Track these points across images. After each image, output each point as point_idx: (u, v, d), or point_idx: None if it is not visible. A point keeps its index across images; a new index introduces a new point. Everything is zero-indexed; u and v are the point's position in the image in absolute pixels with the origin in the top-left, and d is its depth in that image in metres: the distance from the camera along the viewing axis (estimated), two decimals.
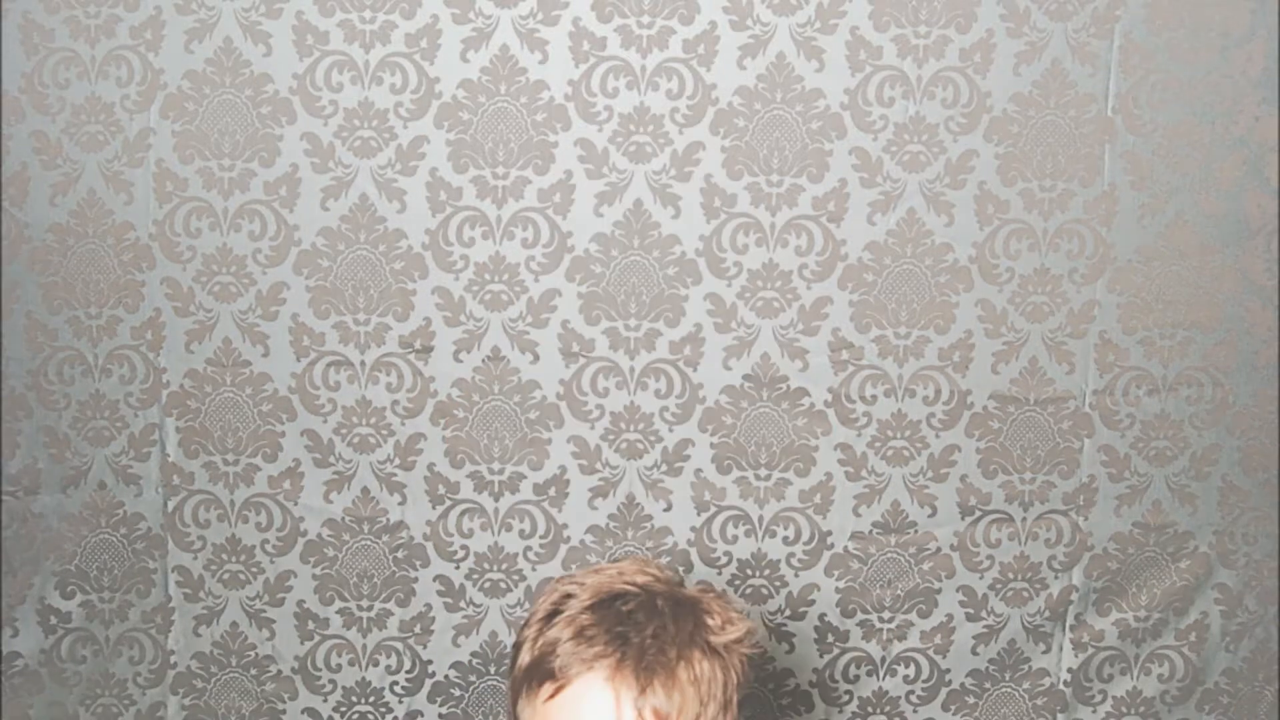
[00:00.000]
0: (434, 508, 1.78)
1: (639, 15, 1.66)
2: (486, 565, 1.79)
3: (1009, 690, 1.86)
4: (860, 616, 1.82)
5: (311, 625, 1.82)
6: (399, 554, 1.79)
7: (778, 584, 1.81)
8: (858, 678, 1.84)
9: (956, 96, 1.69)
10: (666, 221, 1.71)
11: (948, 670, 1.84)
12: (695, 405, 1.76)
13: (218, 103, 1.68)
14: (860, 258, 1.73)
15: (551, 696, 1.04)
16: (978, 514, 1.80)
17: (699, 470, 1.77)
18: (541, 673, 1.06)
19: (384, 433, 1.76)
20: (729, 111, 1.69)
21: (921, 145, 1.70)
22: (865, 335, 1.74)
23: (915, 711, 1.85)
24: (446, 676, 1.83)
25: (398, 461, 1.77)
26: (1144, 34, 1.69)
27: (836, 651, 1.83)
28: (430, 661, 1.82)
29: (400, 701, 1.84)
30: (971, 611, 1.82)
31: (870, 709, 1.85)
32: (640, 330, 1.74)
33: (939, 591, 1.82)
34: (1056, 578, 1.82)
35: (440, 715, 1.84)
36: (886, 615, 1.82)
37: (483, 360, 1.74)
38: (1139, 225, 1.73)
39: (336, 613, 1.81)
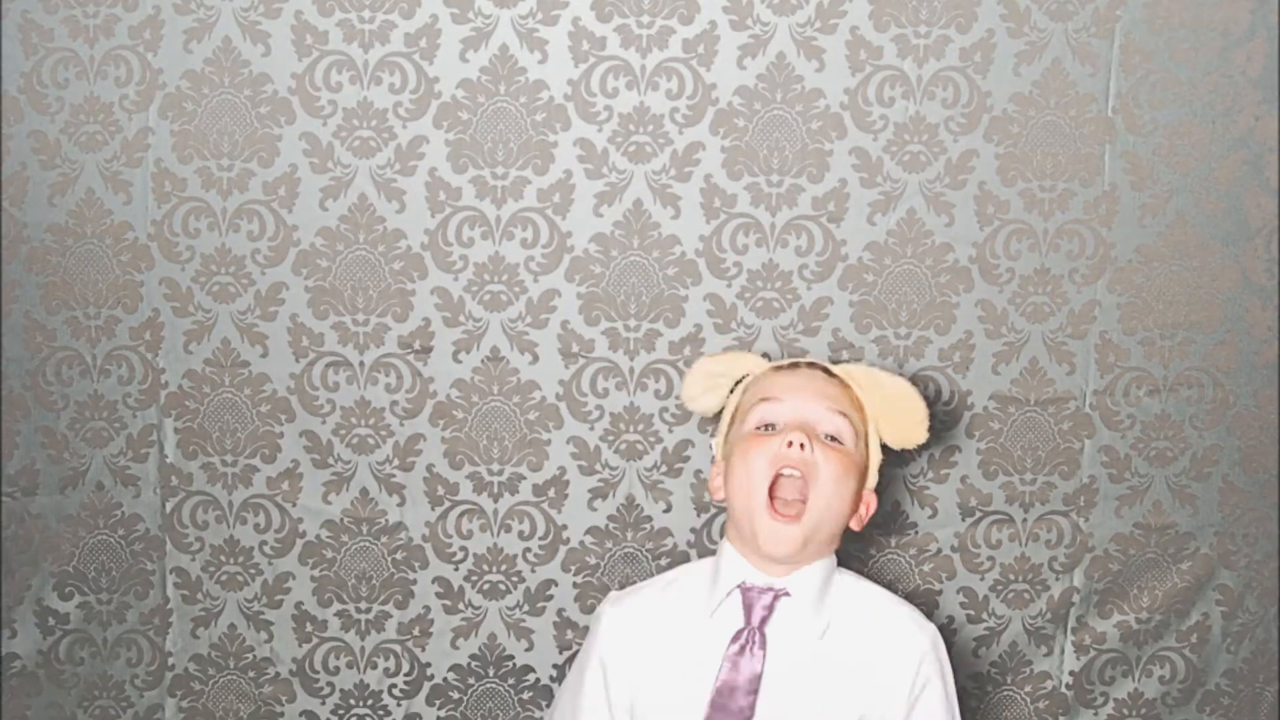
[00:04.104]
0: (433, 509, 1.77)
1: (639, 15, 1.66)
2: (485, 567, 1.79)
3: (1010, 693, 1.85)
4: None
5: (310, 627, 1.81)
6: (398, 555, 1.79)
7: None
8: None
9: (956, 96, 1.69)
10: (666, 222, 1.71)
11: None
12: None
13: (216, 103, 1.68)
14: (860, 258, 1.73)
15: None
16: (978, 515, 1.80)
17: (699, 471, 1.77)
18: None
19: (383, 433, 1.76)
20: (729, 111, 1.69)
21: (921, 145, 1.70)
22: (865, 335, 1.74)
23: None
24: (445, 679, 1.82)
25: (397, 462, 1.76)
26: (1144, 34, 1.69)
27: None
28: (429, 664, 1.82)
29: (399, 704, 1.83)
30: (972, 613, 1.82)
31: None
32: (640, 331, 1.73)
33: (939, 593, 1.81)
34: (1057, 579, 1.82)
35: (439, 718, 1.83)
36: None
37: (482, 361, 1.74)
38: (1139, 225, 1.73)
39: (335, 615, 1.81)
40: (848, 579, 1.46)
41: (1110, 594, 1.83)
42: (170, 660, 1.82)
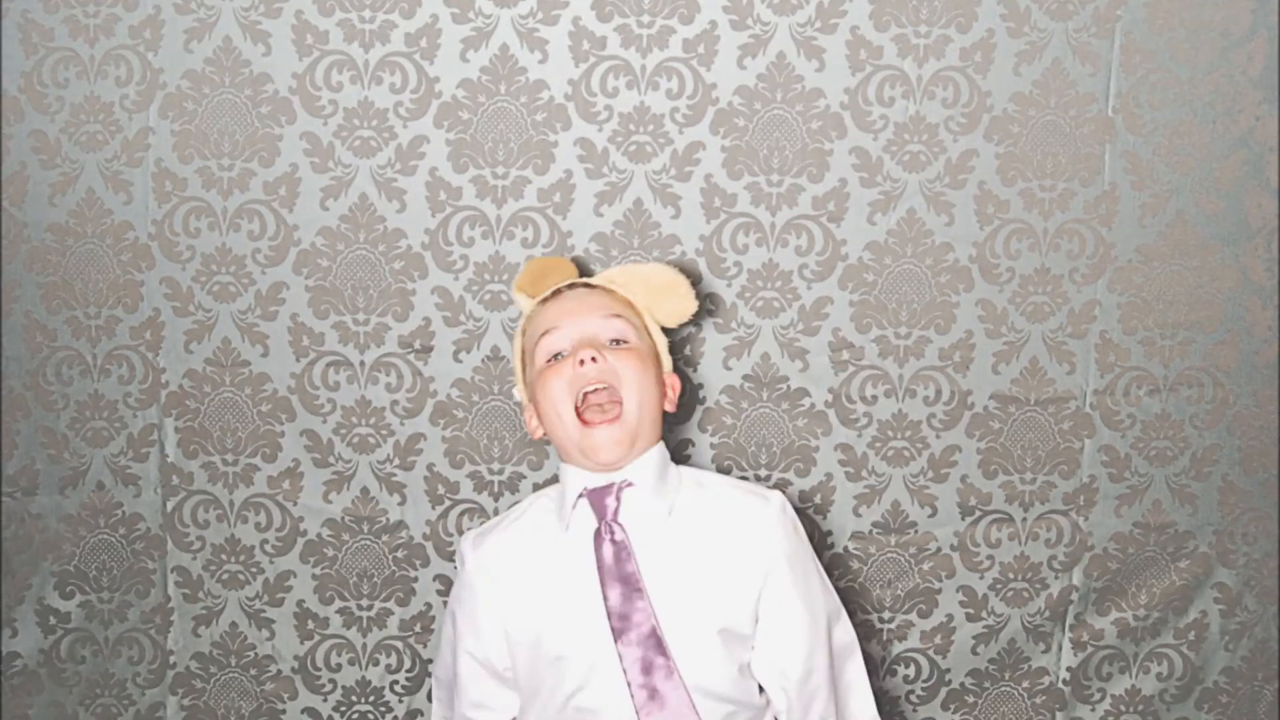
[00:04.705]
0: (434, 507, 1.78)
1: (639, 15, 1.66)
2: None
3: (1008, 689, 1.86)
4: (861, 617, 1.82)
5: (311, 625, 1.82)
6: (399, 554, 1.79)
7: None
8: None
9: (957, 96, 1.69)
10: (666, 221, 1.71)
11: (948, 670, 1.84)
12: (695, 405, 1.76)
13: (217, 102, 1.68)
14: (860, 258, 1.73)
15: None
16: (978, 514, 1.80)
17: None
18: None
19: (383, 433, 1.76)
20: (729, 111, 1.69)
21: (922, 145, 1.70)
22: (865, 335, 1.74)
23: (915, 711, 1.86)
24: None
25: (397, 461, 1.77)
26: (1144, 34, 1.69)
27: None
28: (430, 660, 1.82)
29: (400, 700, 1.84)
30: (971, 611, 1.82)
31: None
32: None
33: (939, 591, 1.82)
34: (1056, 578, 1.82)
35: None
36: (887, 615, 1.82)
37: (482, 360, 1.74)
38: (1139, 225, 1.74)
39: (336, 612, 1.81)
40: (685, 470, 1.50)
41: (1109, 592, 1.83)
42: (172, 658, 1.83)
